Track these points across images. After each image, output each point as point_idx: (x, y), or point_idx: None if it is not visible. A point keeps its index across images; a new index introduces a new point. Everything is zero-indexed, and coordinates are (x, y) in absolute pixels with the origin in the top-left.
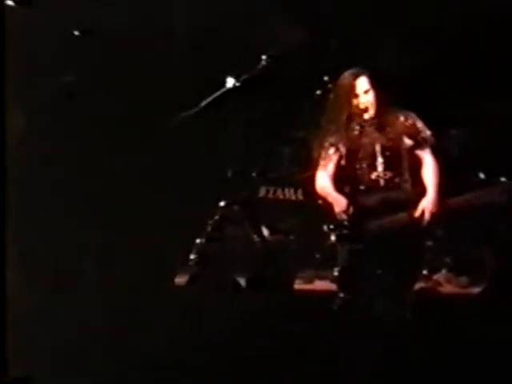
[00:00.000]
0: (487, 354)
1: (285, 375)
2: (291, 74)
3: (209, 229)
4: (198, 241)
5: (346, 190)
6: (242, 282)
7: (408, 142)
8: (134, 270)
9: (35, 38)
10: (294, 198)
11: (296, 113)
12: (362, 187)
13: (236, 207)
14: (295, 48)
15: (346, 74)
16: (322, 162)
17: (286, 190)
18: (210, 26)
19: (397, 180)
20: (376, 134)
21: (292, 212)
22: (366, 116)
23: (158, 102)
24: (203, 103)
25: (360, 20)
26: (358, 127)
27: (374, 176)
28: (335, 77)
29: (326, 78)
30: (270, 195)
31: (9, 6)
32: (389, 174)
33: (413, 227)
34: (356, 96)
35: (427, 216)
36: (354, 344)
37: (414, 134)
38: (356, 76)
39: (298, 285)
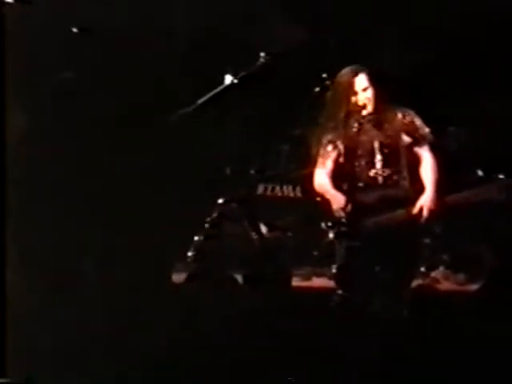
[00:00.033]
0: (485, 352)
1: (283, 373)
2: (289, 72)
3: (207, 226)
4: (196, 238)
5: (344, 187)
6: (240, 278)
7: (406, 139)
8: (133, 270)
9: (35, 38)
10: (292, 195)
11: (294, 110)
12: (360, 184)
13: (234, 204)
14: (291, 45)
15: (345, 71)
16: (320, 160)
17: (284, 187)
18: (209, 26)
19: (395, 177)
20: (374, 132)
21: (290, 209)
22: (364, 113)
23: (157, 102)
24: (200, 100)
25: (360, 20)
26: (356, 124)
27: (372, 173)
28: (333, 74)
29: (324, 76)
30: (268, 192)
31: (8, 5)
32: (387, 172)
33: (411, 224)
34: (355, 93)
35: (425, 213)
36: (352, 341)
37: (412, 131)
38: (355, 73)
39: (296, 282)
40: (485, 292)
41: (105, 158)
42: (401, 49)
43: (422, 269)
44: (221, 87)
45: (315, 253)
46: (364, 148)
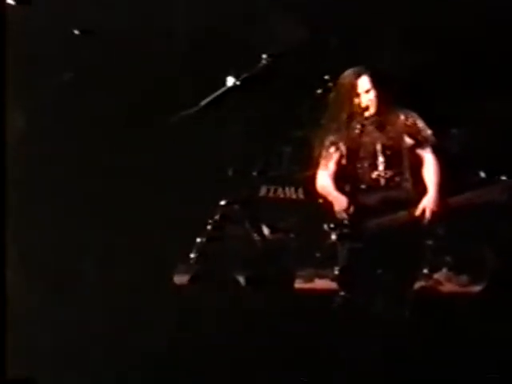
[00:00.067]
0: (488, 353)
1: (285, 374)
2: (291, 73)
3: (209, 228)
4: (198, 240)
5: (347, 189)
6: (242, 280)
7: (409, 141)
8: (133, 270)
9: (35, 39)
10: (294, 196)
11: (296, 112)
12: (362, 186)
13: (236, 206)
14: (294, 47)
15: (347, 73)
16: (322, 161)
17: (287, 188)
18: (209, 26)
19: (397, 179)
20: (377, 133)
21: (292, 211)
22: (367, 114)
23: (158, 102)
24: (203, 102)
25: (360, 20)
26: (358, 126)
27: (374, 175)
28: (335, 75)
29: (326, 77)
30: (271, 194)
31: (9, 6)
32: (389, 173)
33: (413, 226)
34: (357, 95)
35: (428, 215)
36: (354, 343)
37: (414, 133)
38: (358, 75)
39: (299, 283)
40: (487, 294)
41: (105, 158)
42: (401, 49)
43: (425, 270)
44: (223, 89)
45: (318, 254)
46: (366, 150)
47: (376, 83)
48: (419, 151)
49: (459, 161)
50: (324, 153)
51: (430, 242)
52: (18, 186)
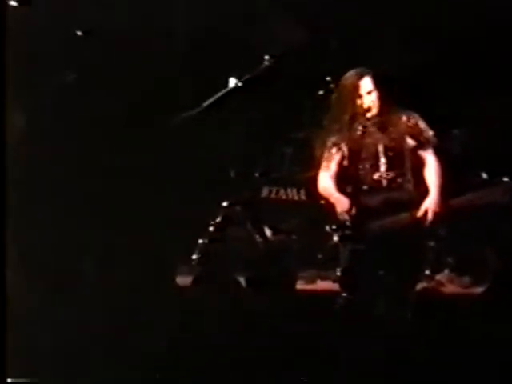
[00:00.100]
0: (490, 354)
1: (286, 375)
2: (293, 74)
3: (211, 229)
4: (200, 241)
5: (349, 190)
6: (243, 281)
7: (411, 142)
8: (134, 270)
9: (35, 38)
10: (296, 198)
11: (298, 113)
12: (364, 187)
13: (238, 207)
14: (296, 48)
15: (350, 74)
16: (324, 163)
17: (289, 190)
18: (209, 26)
19: (399, 180)
20: (379, 135)
21: (294, 212)
22: (369, 115)
23: (158, 102)
24: (205, 103)
25: (360, 20)
26: (360, 127)
27: (376, 176)
28: (337, 77)
29: (328, 78)
30: (273, 195)
31: (11, 6)
32: (391, 175)
33: (415, 227)
34: (359, 96)
35: (430, 216)
36: (356, 344)
37: (416, 134)
38: (360, 76)
39: (300, 285)
40: (489, 295)
41: (105, 159)
42: (401, 49)
43: (427, 272)
44: (225, 90)
45: (320, 256)
46: (368, 151)
47: (378, 84)
48: (421, 152)
49: (461, 162)
50: (326, 154)
51: (431, 244)
52: (18, 186)
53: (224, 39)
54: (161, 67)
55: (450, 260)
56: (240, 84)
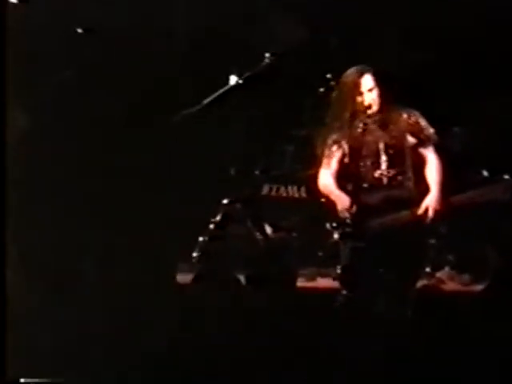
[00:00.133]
0: (490, 352)
1: (287, 373)
2: (294, 72)
3: (212, 227)
4: (200, 239)
5: (349, 187)
6: (242, 279)
7: (411, 139)
8: (134, 269)
9: (35, 37)
10: (296, 195)
11: (299, 110)
12: (365, 185)
13: (239, 205)
14: (296, 46)
15: (351, 72)
16: (324, 160)
17: (289, 187)
18: (210, 26)
19: (400, 178)
20: (379, 132)
21: (295, 210)
22: (370, 113)
23: (158, 102)
24: (205, 101)
25: (360, 19)
26: (361, 125)
27: (377, 174)
28: (338, 74)
29: (328, 76)
30: (273, 193)
31: (11, 4)
32: (392, 172)
33: (416, 225)
34: (360, 93)
35: (430, 214)
36: (357, 342)
37: (417, 131)
38: (361, 73)
39: (301, 282)
40: (490, 292)
41: (105, 158)
42: (401, 49)
43: (427, 269)
44: (225, 88)
45: (320, 253)
46: (369, 148)
47: (379, 82)
48: (422, 150)
49: (462, 160)
50: (326, 151)
51: (432, 241)
52: (18, 186)
53: (224, 39)
54: (161, 66)
55: (450, 257)
56: (240, 81)
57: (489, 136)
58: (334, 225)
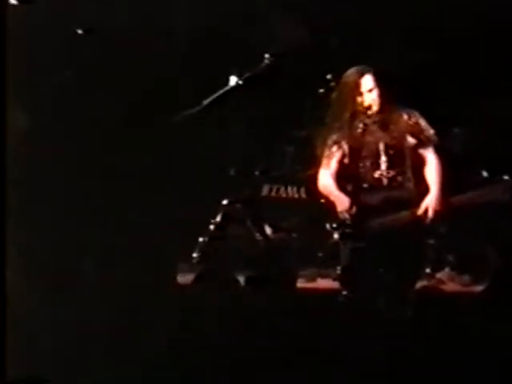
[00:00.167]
0: (490, 353)
1: (286, 374)
2: (294, 73)
3: (212, 227)
4: (200, 239)
5: (349, 188)
6: (241, 279)
7: (411, 140)
8: (134, 269)
9: (36, 37)
10: (296, 196)
11: (299, 111)
12: (364, 185)
13: (239, 206)
14: (296, 46)
15: (351, 72)
16: (324, 160)
17: (289, 188)
18: (210, 26)
19: (400, 178)
20: (379, 133)
21: (295, 210)
22: (370, 113)
23: (158, 102)
24: (206, 102)
25: (360, 19)
26: (361, 125)
27: (377, 174)
28: (338, 75)
29: (328, 76)
30: (273, 193)
31: (11, 5)
32: (392, 173)
33: (416, 225)
34: (360, 94)
35: (430, 214)
36: (357, 342)
37: (417, 132)
38: (361, 74)
39: (301, 283)
40: (490, 293)
41: (105, 158)
42: (401, 49)
43: (427, 270)
44: (225, 88)
45: (320, 254)
46: (369, 149)
47: (379, 82)
48: (422, 151)
49: (461, 160)
50: (326, 152)
51: (432, 242)
52: (18, 186)
53: (224, 39)
54: (161, 67)
55: (450, 258)
56: (240, 82)
57: (489, 137)
58: (334, 225)
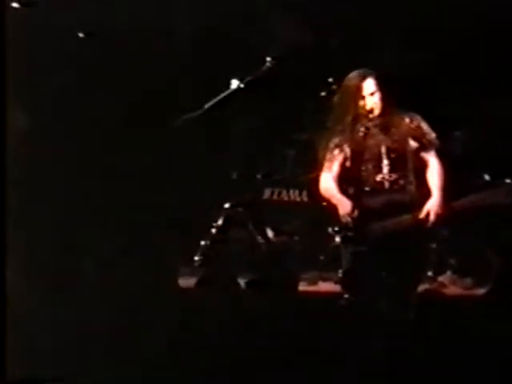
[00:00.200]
0: (491, 356)
1: (288, 377)
2: (295, 76)
3: (213, 231)
4: (202, 243)
5: (351, 191)
6: (242, 283)
7: (413, 144)
8: (134, 271)
9: (36, 38)
10: (298, 199)
11: (300, 114)
12: (366, 189)
13: (241, 209)
14: (297, 49)
15: (353, 75)
16: (326, 163)
17: (291, 191)
18: (210, 27)
19: (401, 182)
20: (381, 136)
21: (296, 214)
22: (371, 117)
23: (158, 103)
24: (207, 105)
25: (361, 20)
26: (363, 129)
27: (378, 178)
28: (340, 78)
29: (330, 80)
30: (275, 197)
31: (11, 7)
32: (394, 176)
33: (417, 229)
34: (362, 97)
35: (432, 218)
36: (358, 346)
37: (419, 136)
38: (363, 77)
39: (303, 286)
40: (492, 296)
41: (105, 159)
42: (401, 49)
43: (429, 273)
44: (227, 92)
45: (322, 257)
46: (371, 152)
47: (381, 85)
48: (423, 154)
49: (463, 164)
50: (328, 155)
51: (434, 245)
52: (18, 186)
53: (225, 40)
54: (161, 68)
55: (452, 261)
56: (242, 85)
57: (490, 140)
58: (336, 229)
